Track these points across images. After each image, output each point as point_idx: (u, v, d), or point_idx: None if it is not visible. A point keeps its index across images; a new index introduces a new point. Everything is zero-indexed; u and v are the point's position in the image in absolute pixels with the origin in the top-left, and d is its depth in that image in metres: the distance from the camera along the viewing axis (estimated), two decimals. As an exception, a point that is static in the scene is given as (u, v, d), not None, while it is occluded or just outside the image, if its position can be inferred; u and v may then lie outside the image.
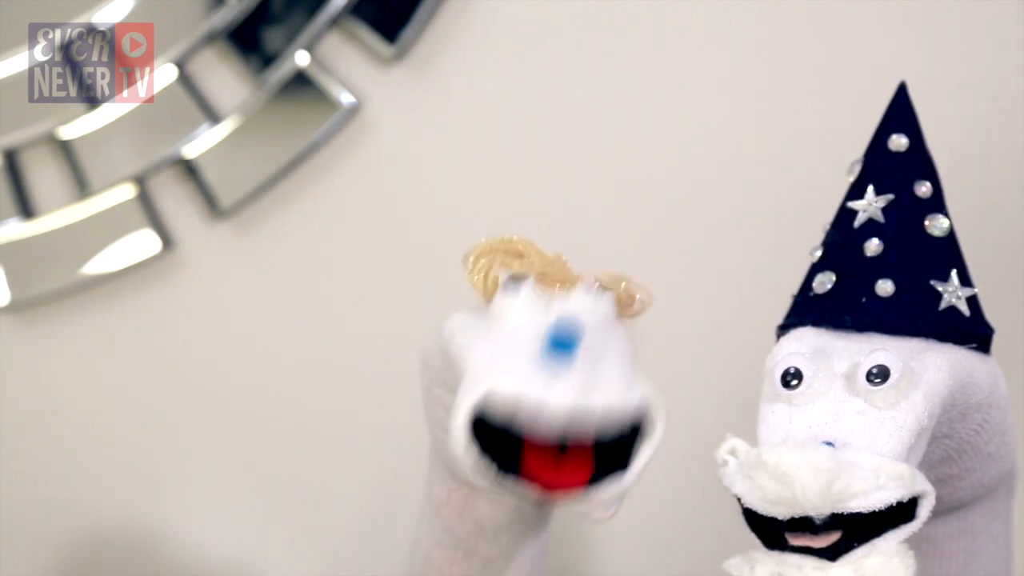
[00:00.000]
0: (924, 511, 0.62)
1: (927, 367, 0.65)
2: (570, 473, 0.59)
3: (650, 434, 0.60)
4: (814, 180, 0.94)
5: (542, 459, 0.59)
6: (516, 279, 0.63)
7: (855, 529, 0.62)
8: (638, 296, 0.66)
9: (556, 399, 0.58)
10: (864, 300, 0.67)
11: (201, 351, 1.09)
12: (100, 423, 1.11)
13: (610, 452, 0.60)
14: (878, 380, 0.63)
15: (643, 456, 0.60)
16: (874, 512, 0.61)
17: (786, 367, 0.65)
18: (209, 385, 1.09)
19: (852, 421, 0.63)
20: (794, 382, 0.64)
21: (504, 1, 1.03)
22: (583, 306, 0.62)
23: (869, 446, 0.62)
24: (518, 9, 1.03)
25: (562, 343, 0.59)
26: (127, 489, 1.11)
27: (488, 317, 0.63)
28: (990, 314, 0.71)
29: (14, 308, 1.10)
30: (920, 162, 0.70)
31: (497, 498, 0.72)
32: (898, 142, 0.70)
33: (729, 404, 0.99)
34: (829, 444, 0.62)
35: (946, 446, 0.68)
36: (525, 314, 0.62)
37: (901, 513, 0.62)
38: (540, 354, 0.59)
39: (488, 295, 0.64)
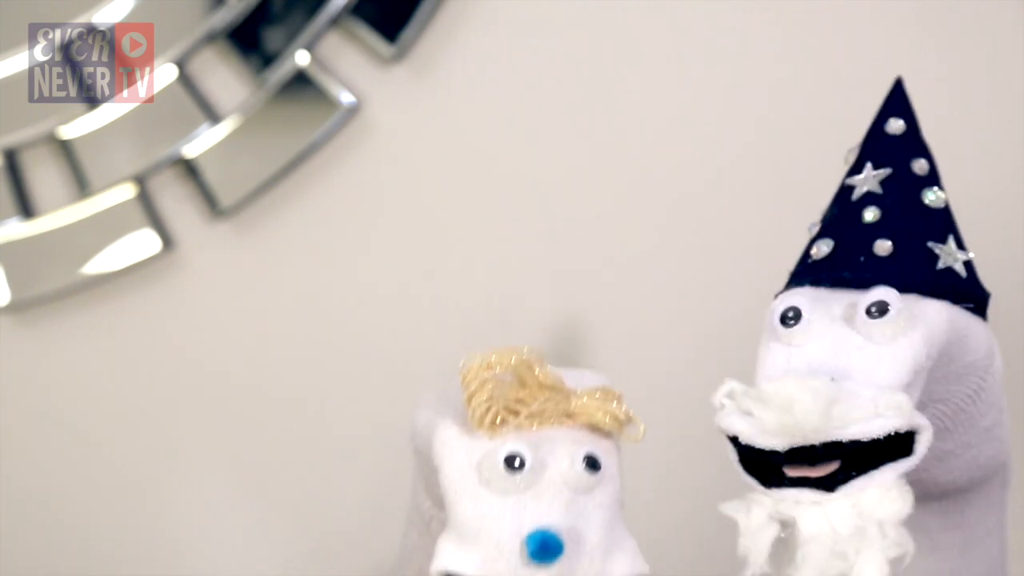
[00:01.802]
0: (921, 447, 0.62)
1: (926, 311, 0.65)
2: None
3: None
4: (815, 181, 0.94)
5: None
6: (512, 460, 0.65)
7: (854, 461, 0.62)
8: (627, 413, 0.68)
9: None
10: (863, 259, 0.68)
11: (201, 351, 1.09)
12: (100, 423, 1.11)
13: None
14: (877, 314, 0.63)
15: None
16: (873, 443, 0.61)
17: (785, 307, 0.65)
18: (209, 385, 1.09)
19: (851, 356, 0.63)
20: (792, 321, 0.64)
21: (504, 1, 1.03)
22: (573, 483, 0.65)
23: (869, 379, 0.62)
24: (518, 9, 1.03)
25: (541, 556, 0.63)
26: (127, 488, 1.11)
27: (478, 460, 0.65)
28: (991, 315, 0.71)
29: (14, 308, 1.10)
30: (916, 143, 0.71)
31: None
32: (895, 125, 0.71)
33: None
34: (830, 379, 0.62)
35: (942, 413, 0.67)
36: (515, 498, 0.64)
37: (899, 447, 0.62)
38: (519, 560, 0.63)
39: (483, 428, 0.66)
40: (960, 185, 0.95)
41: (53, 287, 1.09)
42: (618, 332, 1.04)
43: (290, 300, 1.08)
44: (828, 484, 0.62)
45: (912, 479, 0.69)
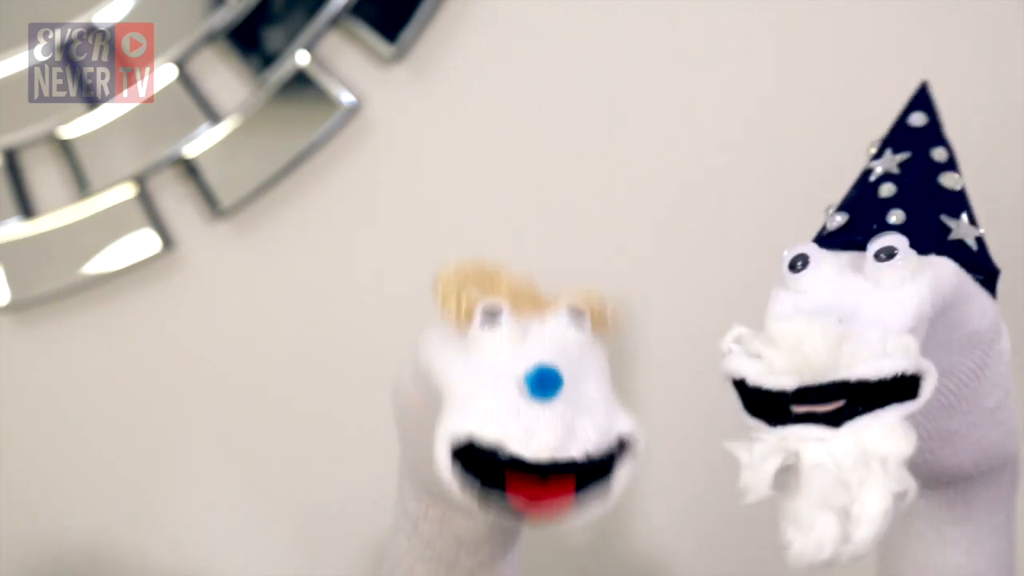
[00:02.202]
0: (927, 390, 0.62)
1: (933, 262, 0.65)
2: (554, 492, 0.61)
3: (630, 456, 0.62)
4: (815, 180, 0.94)
5: (525, 482, 0.60)
6: (491, 312, 0.63)
7: (860, 399, 0.62)
8: (611, 311, 0.67)
9: (536, 448, 0.59)
10: (875, 227, 0.68)
11: (201, 351, 1.09)
12: (100, 422, 1.11)
13: (592, 470, 0.61)
14: (885, 258, 0.64)
15: (623, 476, 0.62)
16: (879, 384, 0.61)
17: (794, 255, 0.65)
18: (209, 384, 1.09)
19: (858, 299, 0.63)
20: (800, 264, 0.65)
21: (504, 1, 1.03)
22: (560, 339, 0.63)
23: (875, 322, 0.62)
24: (518, 9, 1.03)
25: (541, 390, 0.60)
26: (127, 488, 1.11)
27: (465, 347, 0.64)
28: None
29: (14, 308, 1.10)
30: (938, 136, 0.72)
31: (474, 512, 0.73)
32: (917, 119, 0.72)
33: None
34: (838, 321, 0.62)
35: (946, 388, 0.67)
36: (503, 349, 0.62)
37: (904, 390, 0.62)
38: (519, 399, 0.60)
39: (461, 323, 0.65)
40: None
41: (53, 287, 1.09)
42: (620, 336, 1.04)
43: (290, 300, 1.08)
44: (834, 420, 0.62)
45: (919, 462, 0.69)
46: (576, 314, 0.65)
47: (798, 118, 1.00)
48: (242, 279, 1.08)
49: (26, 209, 1.10)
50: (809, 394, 0.62)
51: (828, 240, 0.70)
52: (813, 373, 0.61)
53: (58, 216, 1.09)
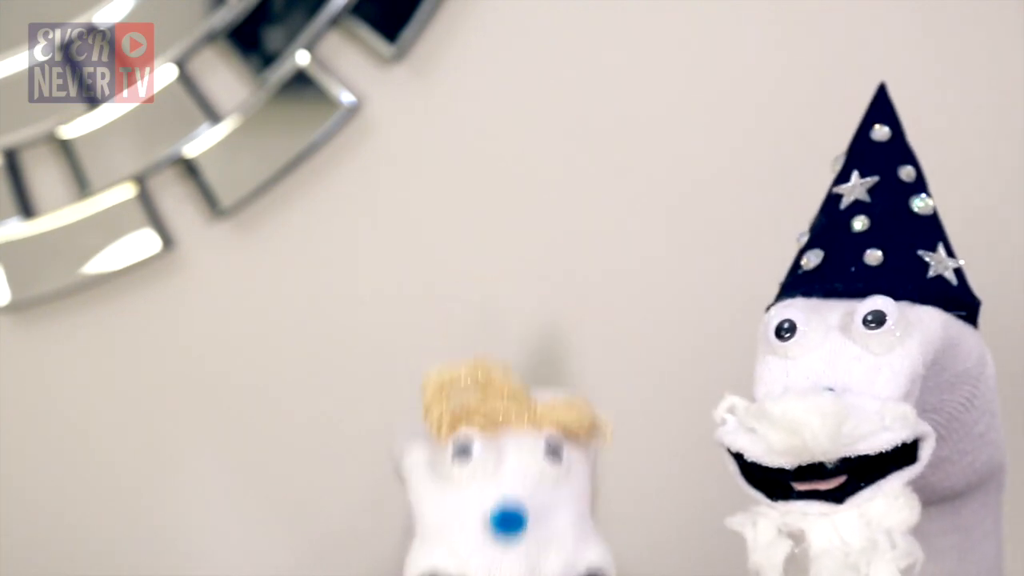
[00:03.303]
0: (926, 453, 0.62)
1: (921, 317, 0.65)
2: None
3: None
4: (811, 186, 0.94)
5: None
6: (462, 446, 0.65)
7: (861, 472, 0.62)
8: (597, 424, 0.68)
9: None
10: (853, 269, 0.68)
11: (201, 351, 1.09)
12: (100, 422, 1.11)
13: None
14: (874, 325, 0.63)
15: None
16: (880, 454, 0.61)
17: (779, 320, 0.65)
18: (209, 385, 1.09)
19: (850, 367, 0.63)
20: (788, 334, 0.65)
21: (504, 1, 1.03)
22: (534, 471, 0.64)
23: (868, 390, 0.62)
24: (518, 9, 1.03)
25: (504, 529, 0.62)
26: (127, 488, 1.11)
27: (438, 469, 0.65)
28: (990, 314, 0.71)
29: (14, 308, 1.10)
30: (902, 150, 0.71)
31: None
32: (880, 131, 0.71)
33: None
34: (830, 390, 0.62)
35: (936, 422, 0.68)
36: (473, 484, 0.64)
37: (904, 455, 0.62)
38: (483, 537, 0.62)
39: (439, 437, 0.66)
40: (960, 185, 0.95)
41: (53, 287, 1.09)
42: (620, 337, 1.04)
43: (290, 300, 1.08)
44: (836, 496, 0.62)
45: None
46: (553, 447, 0.65)
47: (798, 119, 1.00)
48: (242, 279, 1.08)
49: (26, 209, 1.10)
50: (810, 471, 0.62)
51: (805, 281, 0.69)
52: (812, 456, 0.61)
53: (58, 216, 1.09)
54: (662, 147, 1.02)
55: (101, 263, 1.08)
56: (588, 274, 1.04)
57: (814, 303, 0.67)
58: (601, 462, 0.69)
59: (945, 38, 0.98)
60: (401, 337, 1.06)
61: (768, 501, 0.63)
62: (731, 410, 0.64)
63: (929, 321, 0.65)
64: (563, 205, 1.04)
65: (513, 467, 0.64)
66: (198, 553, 1.11)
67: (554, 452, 0.65)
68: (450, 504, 0.64)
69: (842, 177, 0.71)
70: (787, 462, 0.61)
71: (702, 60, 1.01)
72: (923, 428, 0.62)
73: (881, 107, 0.72)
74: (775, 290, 0.71)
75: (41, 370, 1.11)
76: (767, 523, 0.63)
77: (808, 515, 0.62)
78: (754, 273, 0.99)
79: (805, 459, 0.61)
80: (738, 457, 0.63)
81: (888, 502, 0.62)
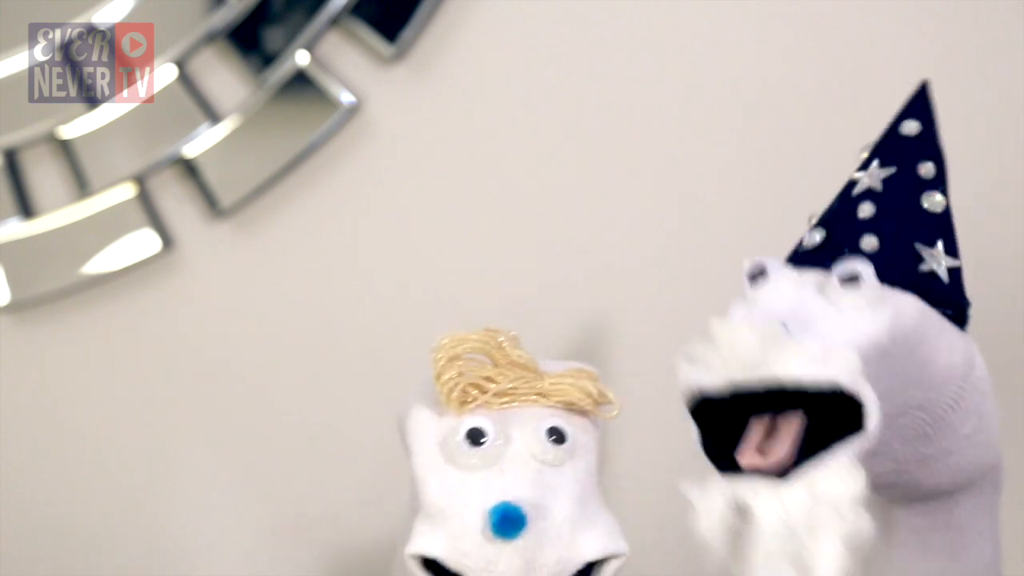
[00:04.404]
0: (871, 421, 0.61)
1: (898, 298, 0.65)
2: None
3: (606, 570, 0.65)
4: (821, 179, 0.94)
5: None
6: (476, 433, 0.66)
7: (805, 445, 0.61)
8: (604, 393, 0.69)
9: None
10: (847, 250, 0.68)
11: (201, 351, 1.09)
12: (100, 422, 1.11)
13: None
14: (848, 283, 0.63)
15: None
16: (823, 421, 0.61)
17: (753, 266, 0.65)
18: (208, 384, 1.09)
19: (813, 314, 0.63)
20: (758, 275, 0.65)
21: (504, 1, 1.03)
22: (538, 458, 0.65)
23: (824, 337, 0.62)
24: (518, 9, 1.03)
25: (504, 529, 0.63)
26: (126, 487, 1.11)
27: (445, 443, 0.66)
28: (989, 314, 0.71)
29: (14, 308, 1.10)
30: (929, 146, 0.71)
31: None
32: (909, 126, 0.71)
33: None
34: (782, 326, 0.62)
35: (920, 420, 0.68)
36: (479, 473, 0.65)
37: (849, 427, 0.62)
38: (483, 533, 0.63)
39: (449, 406, 0.67)
40: (959, 186, 0.95)
41: (53, 287, 1.09)
42: (620, 332, 1.04)
43: (290, 300, 1.08)
44: (782, 474, 0.62)
45: (894, 481, 0.69)
46: (558, 431, 0.66)
47: (798, 119, 1.00)
48: (242, 279, 1.08)
49: (26, 209, 1.10)
50: (747, 403, 0.61)
51: (801, 258, 0.69)
52: (744, 368, 0.61)
53: (58, 216, 1.09)
54: (662, 146, 1.02)
55: (101, 263, 1.08)
56: (589, 272, 1.04)
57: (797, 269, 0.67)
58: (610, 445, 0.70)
59: (945, 38, 0.98)
60: (400, 336, 1.06)
61: (719, 475, 0.63)
62: (689, 352, 0.64)
63: (905, 305, 0.65)
64: (563, 204, 1.04)
65: (518, 456, 0.65)
66: (197, 552, 1.11)
67: (558, 436, 0.66)
68: (454, 487, 0.65)
69: (863, 165, 0.71)
70: (722, 381, 0.61)
71: (702, 59, 1.01)
72: (867, 391, 0.61)
73: (918, 103, 0.73)
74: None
75: (41, 370, 1.11)
76: (718, 495, 0.62)
77: (757, 491, 0.61)
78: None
79: (737, 375, 0.61)
80: (695, 416, 0.63)
81: (833, 474, 0.61)
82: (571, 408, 0.68)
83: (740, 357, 0.61)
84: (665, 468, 1.03)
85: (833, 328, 0.63)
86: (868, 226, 0.69)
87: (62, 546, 1.12)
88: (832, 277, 0.64)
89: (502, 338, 0.68)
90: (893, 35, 0.98)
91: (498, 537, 0.63)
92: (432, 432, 0.67)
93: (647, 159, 1.02)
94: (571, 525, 0.64)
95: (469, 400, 0.67)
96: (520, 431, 0.66)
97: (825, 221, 0.70)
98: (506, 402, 0.67)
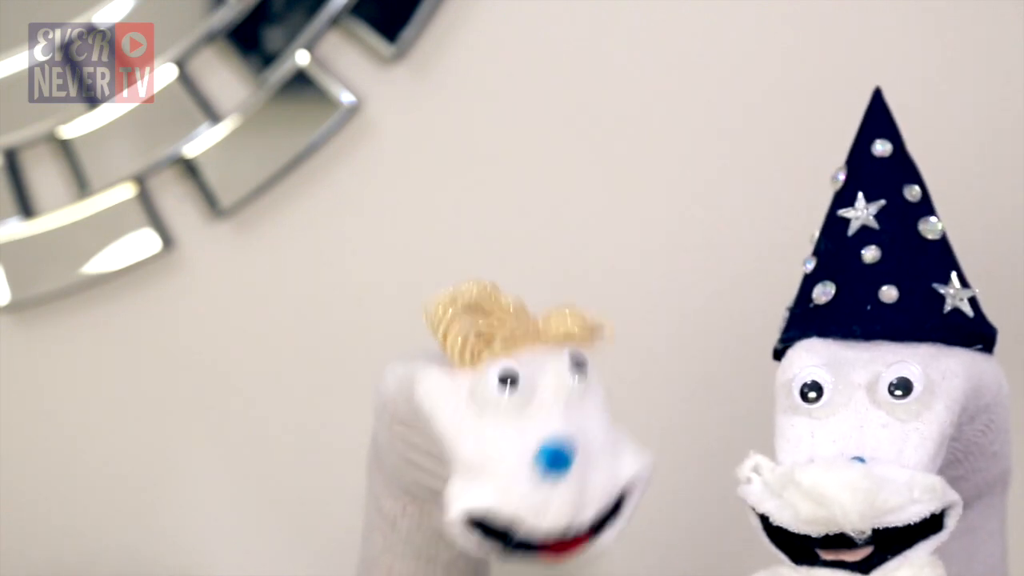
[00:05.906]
0: (952, 521, 0.63)
1: (944, 375, 0.65)
2: (572, 544, 0.64)
3: (637, 489, 0.65)
4: (817, 183, 0.94)
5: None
6: (509, 377, 0.65)
7: (887, 542, 0.62)
8: (600, 326, 0.69)
9: (551, 522, 0.62)
10: (869, 308, 0.67)
11: (200, 351, 1.09)
12: (99, 422, 1.11)
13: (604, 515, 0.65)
14: (900, 393, 0.63)
15: (631, 507, 0.65)
16: (908, 525, 0.62)
17: (804, 380, 0.65)
18: (208, 384, 1.09)
19: (877, 434, 0.63)
20: (813, 395, 0.64)
21: (504, 1, 1.03)
22: (565, 393, 0.65)
23: (897, 459, 0.63)
24: (518, 9, 1.03)
25: (554, 467, 0.62)
26: (126, 488, 1.11)
27: (468, 397, 0.65)
28: (990, 314, 0.71)
29: (14, 308, 1.10)
30: (905, 167, 0.71)
31: None
32: (882, 148, 0.71)
33: (740, 413, 0.99)
34: (859, 460, 0.62)
35: (954, 449, 0.68)
36: (517, 417, 0.64)
37: (931, 524, 0.63)
38: (532, 475, 0.62)
39: (462, 362, 0.66)
40: (959, 186, 0.95)
41: (53, 287, 1.09)
42: (619, 332, 1.04)
43: (290, 300, 1.08)
44: (862, 567, 0.62)
45: None
46: (578, 361, 0.66)
47: (798, 120, 1.00)
48: (242, 279, 1.08)
49: (26, 209, 1.10)
50: (836, 541, 0.62)
51: (819, 317, 0.68)
52: (840, 528, 0.61)
53: (58, 216, 1.09)
54: (662, 146, 1.02)
55: (101, 263, 1.08)
56: (588, 272, 1.04)
57: (834, 351, 0.66)
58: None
59: (945, 38, 0.98)
60: (400, 336, 1.06)
61: (792, 564, 0.63)
62: (756, 470, 0.64)
63: (952, 379, 0.65)
64: (563, 204, 1.04)
65: (551, 394, 0.65)
66: (198, 553, 1.11)
67: (579, 366, 0.66)
68: (491, 439, 0.64)
69: (846, 198, 0.70)
70: (814, 531, 0.62)
71: (703, 59, 1.01)
72: (951, 497, 0.62)
73: (879, 117, 0.72)
74: (773, 289, 0.71)
75: (41, 370, 1.11)
76: None
77: None
78: (766, 268, 0.99)
79: (833, 530, 0.61)
80: (763, 518, 0.63)
81: (914, 571, 0.62)
82: (571, 341, 0.67)
83: (836, 521, 0.61)
84: (665, 468, 1.03)
85: (902, 446, 0.63)
86: (879, 274, 0.68)
87: (62, 546, 1.12)
88: (881, 385, 0.64)
89: (493, 288, 0.68)
90: (893, 35, 0.98)
91: (549, 476, 0.62)
92: (452, 390, 0.66)
93: (648, 159, 1.02)
94: (607, 451, 0.64)
95: (480, 352, 0.66)
96: (541, 373, 0.65)
97: (829, 270, 0.69)
98: (512, 348, 0.66)
